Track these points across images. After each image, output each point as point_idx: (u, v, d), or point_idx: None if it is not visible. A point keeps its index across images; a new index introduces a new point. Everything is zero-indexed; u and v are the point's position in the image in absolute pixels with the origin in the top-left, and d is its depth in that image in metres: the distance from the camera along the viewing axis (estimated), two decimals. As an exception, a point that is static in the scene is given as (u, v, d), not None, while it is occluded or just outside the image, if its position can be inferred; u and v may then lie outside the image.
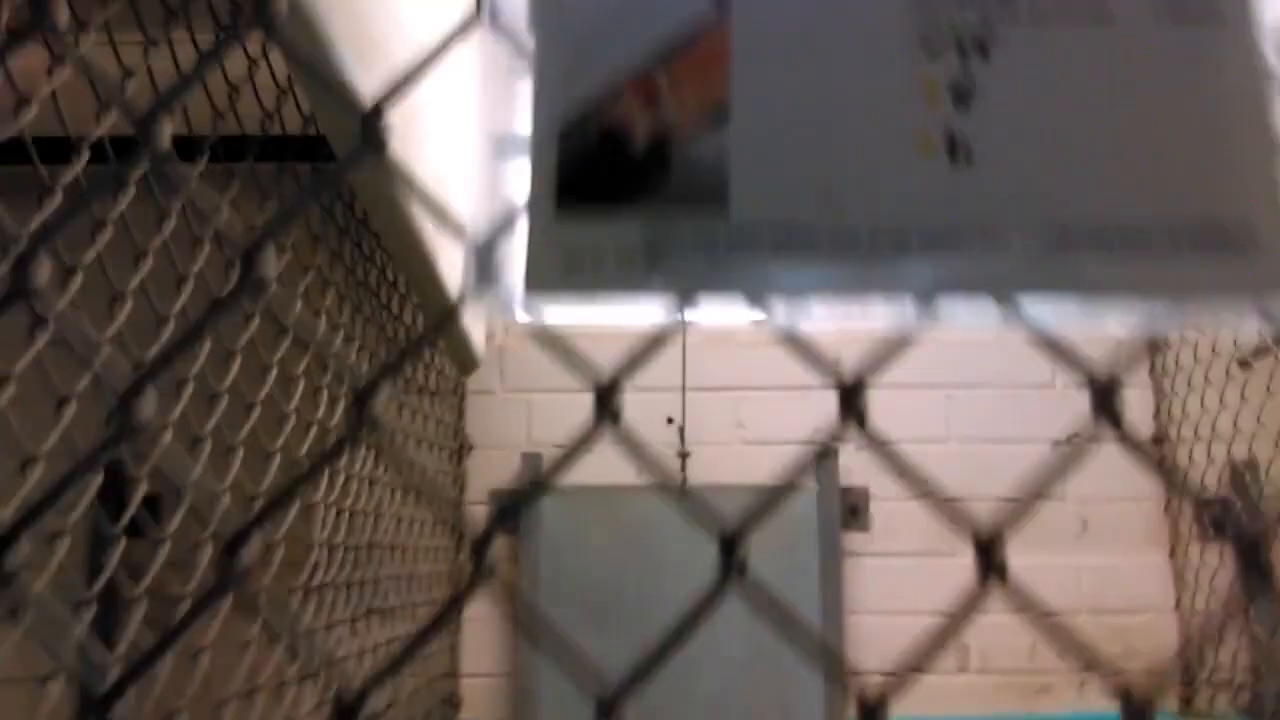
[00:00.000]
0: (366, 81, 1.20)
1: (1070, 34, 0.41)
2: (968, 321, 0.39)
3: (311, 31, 1.16)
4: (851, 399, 0.42)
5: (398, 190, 1.28)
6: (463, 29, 0.44)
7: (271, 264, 0.44)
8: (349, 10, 1.19)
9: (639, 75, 0.42)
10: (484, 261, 0.40)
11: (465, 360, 2.53)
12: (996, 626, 2.32)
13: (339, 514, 1.49)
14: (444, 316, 0.44)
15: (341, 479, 1.50)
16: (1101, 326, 0.39)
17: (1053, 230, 0.39)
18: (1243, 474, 2.30)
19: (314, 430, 1.38)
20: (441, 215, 0.44)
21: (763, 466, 2.54)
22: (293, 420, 1.31)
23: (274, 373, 1.28)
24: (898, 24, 0.41)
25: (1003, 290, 0.39)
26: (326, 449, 1.42)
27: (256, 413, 1.23)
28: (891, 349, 0.41)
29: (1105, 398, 0.39)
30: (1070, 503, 2.57)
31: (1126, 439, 0.38)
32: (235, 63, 1.26)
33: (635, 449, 0.39)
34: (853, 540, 2.58)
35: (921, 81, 0.41)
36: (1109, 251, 0.39)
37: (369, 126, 0.43)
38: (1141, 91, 0.40)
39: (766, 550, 2.60)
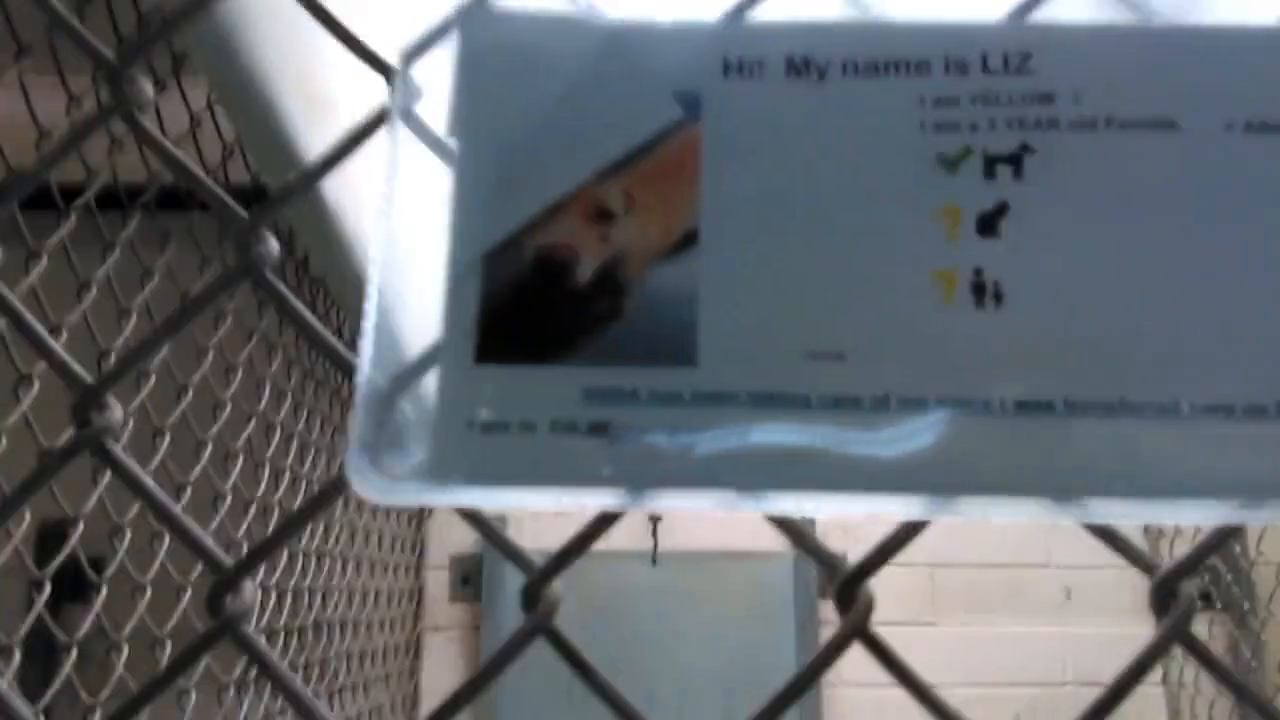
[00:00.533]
0: (315, 141, 1.12)
1: (1124, 143, 0.33)
2: (1002, 516, 0.30)
3: (257, 89, 1.08)
4: (848, 593, 0.34)
5: (344, 252, 1.19)
6: (365, 129, 0.36)
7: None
8: (297, 69, 1.11)
9: (587, 190, 0.33)
10: (373, 429, 0.31)
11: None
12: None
13: (280, 596, 1.38)
14: (327, 493, 0.35)
15: (283, 558, 1.40)
16: (1165, 518, 0.31)
17: (1107, 390, 0.31)
18: (1230, 540, 2.23)
19: (253, 509, 1.27)
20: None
21: (737, 531, 2.44)
22: (229, 499, 1.21)
23: (208, 449, 1.18)
24: (909, 135, 0.33)
25: (1045, 472, 0.30)
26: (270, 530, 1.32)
27: (187, 495, 1.12)
28: (901, 540, 0.33)
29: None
30: (1054, 569, 2.49)
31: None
32: (180, 117, 1.18)
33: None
34: (830, 609, 2.47)
35: (939, 206, 0.32)
36: (1177, 420, 0.30)
37: (243, 249, 0.34)
38: (1215, 216, 0.32)
39: (740, 619, 2.50)
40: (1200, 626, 2.29)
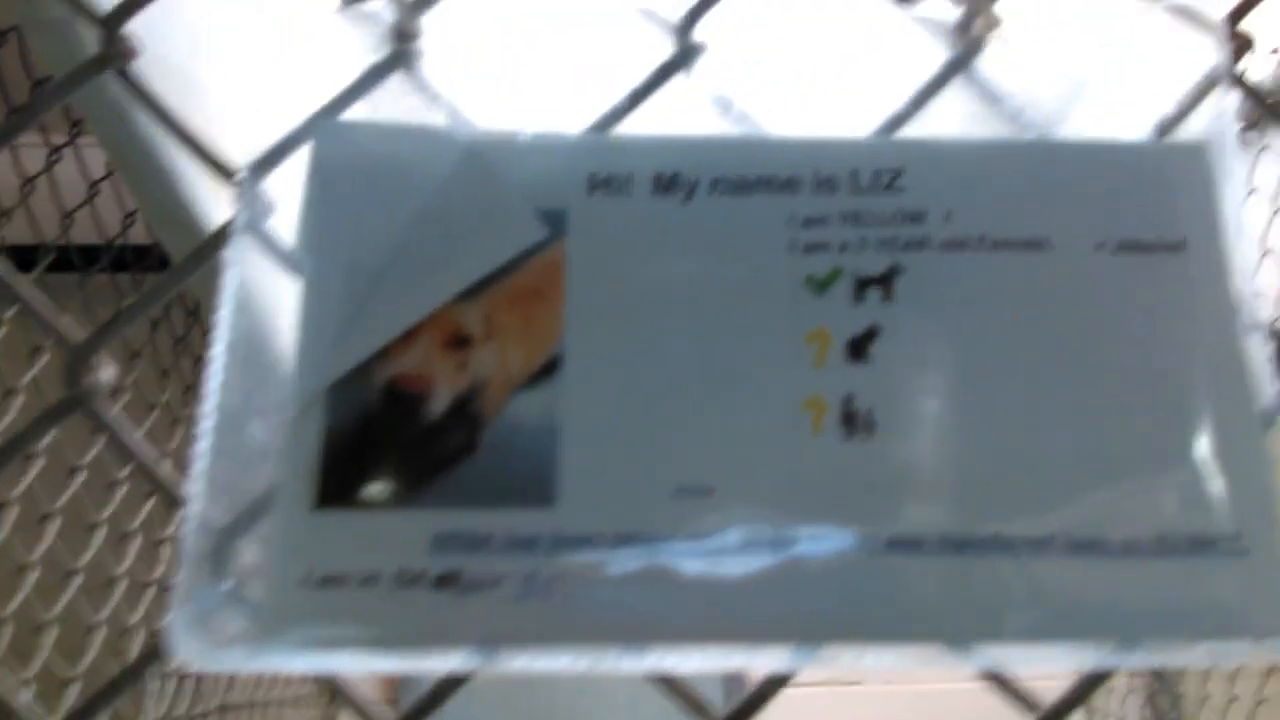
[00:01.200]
0: (216, 211, 1.08)
1: (996, 263, 0.32)
2: (877, 664, 0.28)
3: (154, 156, 1.05)
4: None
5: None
6: (207, 247, 0.33)
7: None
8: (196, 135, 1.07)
9: (444, 314, 0.31)
10: (200, 584, 0.28)
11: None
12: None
13: (181, 681, 1.31)
14: (142, 663, 0.32)
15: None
16: (1039, 661, 0.29)
17: (979, 526, 0.30)
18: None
19: (153, 591, 1.21)
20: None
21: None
22: (124, 584, 1.15)
23: (103, 531, 1.12)
24: (777, 255, 0.32)
25: (918, 615, 0.29)
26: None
27: (79, 580, 1.07)
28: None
29: None
30: None
31: None
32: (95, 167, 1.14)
33: None
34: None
35: (808, 330, 0.31)
36: (1052, 557, 0.29)
37: (72, 379, 0.31)
38: (1089, 340, 0.32)
39: None
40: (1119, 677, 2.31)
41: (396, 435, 0.30)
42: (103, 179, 1.16)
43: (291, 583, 0.28)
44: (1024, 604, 0.29)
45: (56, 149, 1.14)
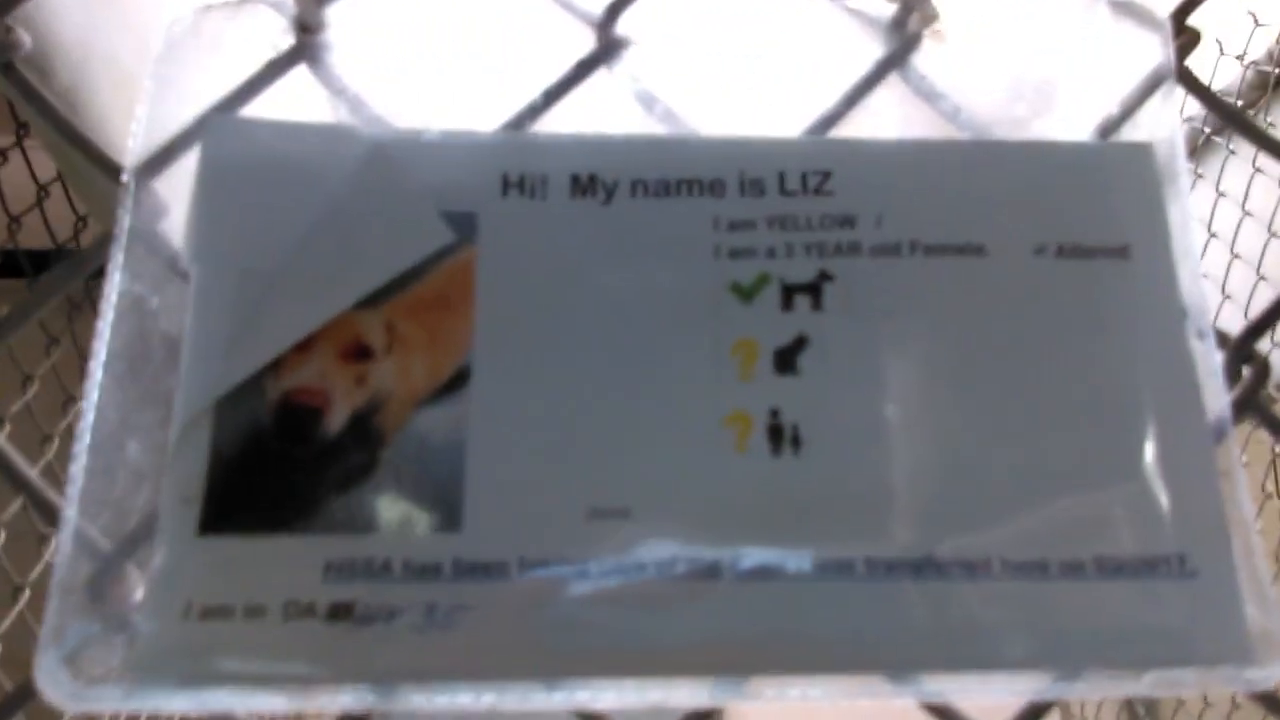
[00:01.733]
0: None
1: (930, 270, 0.30)
2: (801, 698, 0.27)
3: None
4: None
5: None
6: (91, 253, 0.31)
7: None
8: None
9: (343, 323, 0.29)
10: (73, 617, 0.26)
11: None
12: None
13: None
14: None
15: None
16: (976, 691, 0.28)
17: (912, 548, 0.28)
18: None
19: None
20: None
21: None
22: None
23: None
24: (701, 261, 0.30)
25: (848, 644, 0.27)
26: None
27: None
28: None
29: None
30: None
31: None
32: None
33: None
34: None
35: (733, 340, 0.29)
36: (989, 580, 0.28)
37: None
38: (1027, 350, 0.30)
39: None
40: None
41: (288, 455, 0.28)
42: (51, 182, 1.13)
43: (172, 614, 0.26)
44: (960, 631, 0.27)
45: (1, 152, 1.10)
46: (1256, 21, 1.11)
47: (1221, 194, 1.17)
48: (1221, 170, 1.18)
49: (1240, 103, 1.16)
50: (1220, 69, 1.14)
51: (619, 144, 0.31)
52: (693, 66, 0.33)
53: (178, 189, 0.32)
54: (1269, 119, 1.14)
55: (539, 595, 0.27)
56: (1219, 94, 0.36)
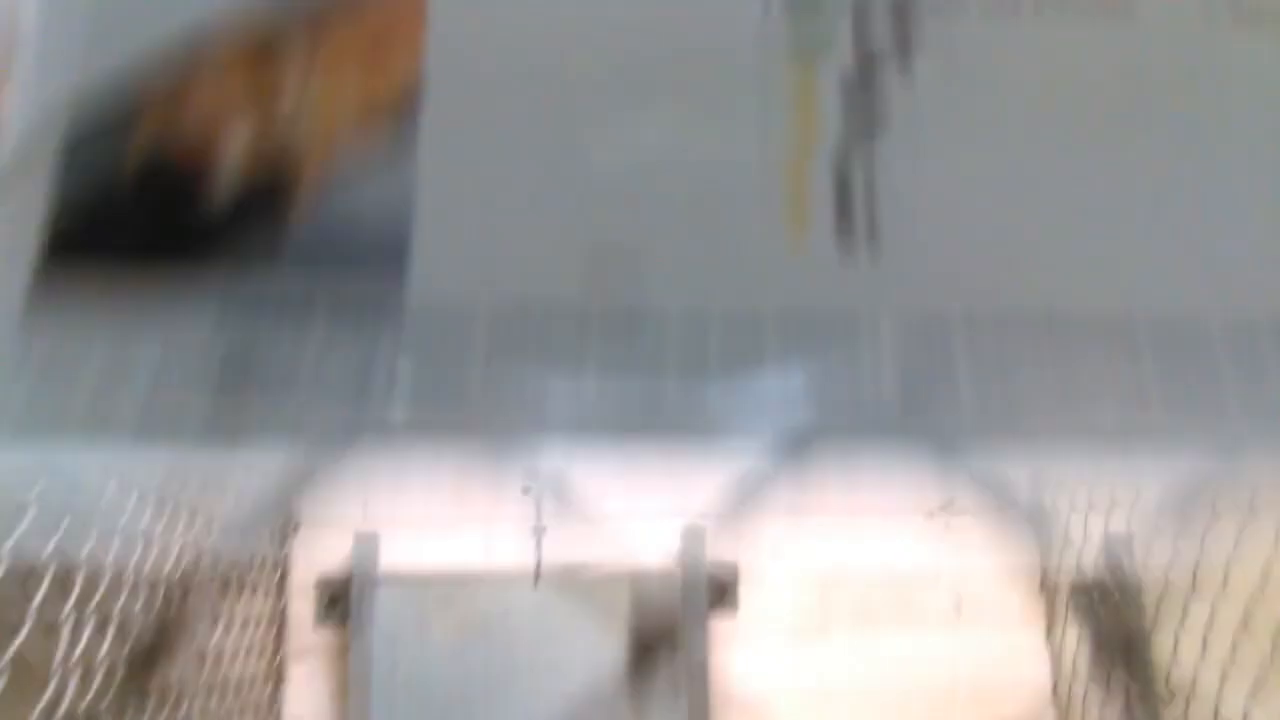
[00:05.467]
0: None
1: (1054, 33, 0.24)
2: (874, 464, 0.20)
3: None
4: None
5: None
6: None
7: None
8: None
9: (245, 33, 0.22)
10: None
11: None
12: None
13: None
14: None
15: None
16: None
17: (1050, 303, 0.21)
18: (1118, 553, 2.20)
19: None
20: None
21: (625, 539, 2.34)
22: None
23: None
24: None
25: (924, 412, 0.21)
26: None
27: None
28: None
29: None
30: (944, 581, 2.46)
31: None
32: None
33: None
34: (720, 625, 2.39)
35: (793, 87, 0.23)
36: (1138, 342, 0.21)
37: None
38: (1176, 125, 0.23)
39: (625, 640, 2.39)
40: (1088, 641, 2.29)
41: (169, 186, 0.21)
42: None
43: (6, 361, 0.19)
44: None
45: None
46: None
47: None
48: None
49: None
50: None
51: None
52: None
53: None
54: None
55: (515, 350, 0.20)
56: None
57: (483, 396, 0.20)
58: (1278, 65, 0.23)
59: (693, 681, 2.30)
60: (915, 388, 0.20)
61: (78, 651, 1.02)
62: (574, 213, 0.21)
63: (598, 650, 2.38)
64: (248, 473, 0.19)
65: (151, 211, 0.20)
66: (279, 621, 2.24)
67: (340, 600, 2.28)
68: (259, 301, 0.20)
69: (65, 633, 1.02)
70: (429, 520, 2.35)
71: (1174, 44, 0.23)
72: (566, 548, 2.43)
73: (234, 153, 0.21)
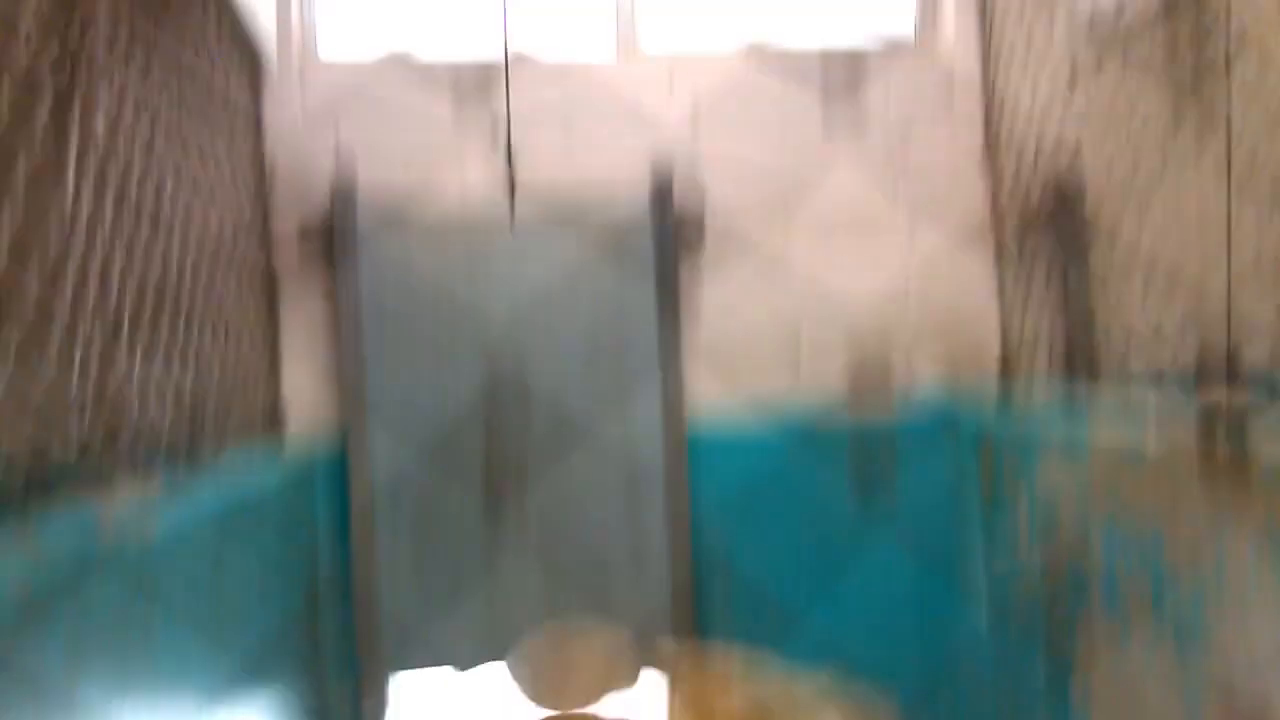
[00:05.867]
0: None
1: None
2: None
3: None
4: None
5: None
6: None
7: None
8: None
9: None
10: None
11: (252, 59, 2.25)
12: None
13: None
14: None
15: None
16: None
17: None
18: (1067, 177, 2.23)
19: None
20: None
21: (594, 162, 2.41)
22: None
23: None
24: None
25: None
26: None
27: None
28: None
29: None
30: (900, 195, 2.54)
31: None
32: None
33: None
34: (688, 265, 2.49)
35: None
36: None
37: None
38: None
39: (601, 274, 2.49)
40: (1032, 246, 2.37)
41: None
42: None
43: None
44: None
45: None
46: None
47: None
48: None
49: None
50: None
51: None
52: None
53: None
54: None
55: None
56: None
57: None
58: None
59: (663, 306, 2.43)
60: None
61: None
62: None
63: (572, 287, 2.50)
64: None
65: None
66: (260, 229, 2.28)
67: (325, 248, 2.38)
68: None
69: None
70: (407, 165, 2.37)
71: None
72: (535, 170, 2.49)
73: None
